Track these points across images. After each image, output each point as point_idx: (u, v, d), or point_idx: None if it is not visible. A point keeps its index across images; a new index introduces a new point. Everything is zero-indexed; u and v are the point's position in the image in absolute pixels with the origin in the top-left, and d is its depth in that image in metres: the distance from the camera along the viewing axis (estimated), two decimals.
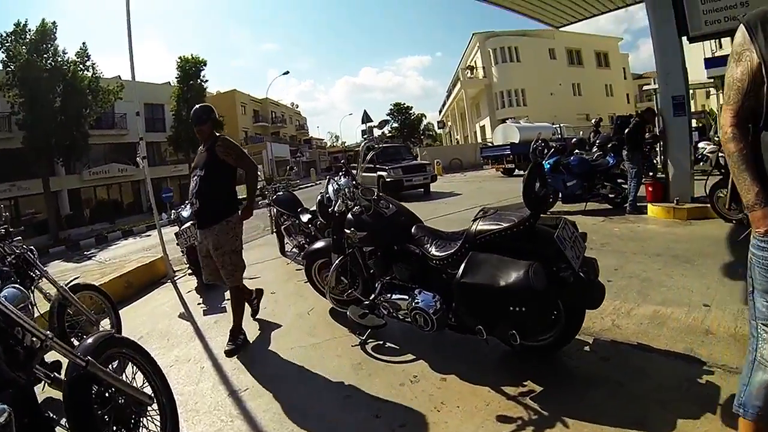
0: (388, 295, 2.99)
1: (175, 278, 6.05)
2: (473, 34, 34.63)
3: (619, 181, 7.31)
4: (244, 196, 3.55)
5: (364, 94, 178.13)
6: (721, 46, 19.33)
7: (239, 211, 3.45)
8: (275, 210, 6.25)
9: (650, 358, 2.51)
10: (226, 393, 2.76)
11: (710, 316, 2.92)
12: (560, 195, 7.43)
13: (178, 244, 5.22)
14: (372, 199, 3.10)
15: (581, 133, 15.17)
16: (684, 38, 5.76)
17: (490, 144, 20.39)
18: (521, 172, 15.46)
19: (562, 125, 15.94)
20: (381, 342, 3.14)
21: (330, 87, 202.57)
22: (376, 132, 3.81)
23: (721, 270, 3.77)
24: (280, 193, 6.32)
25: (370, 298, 3.14)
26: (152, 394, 2.13)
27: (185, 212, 5.65)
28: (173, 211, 6.21)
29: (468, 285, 2.33)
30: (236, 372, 3.05)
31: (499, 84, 33.16)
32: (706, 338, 2.64)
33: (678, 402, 2.06)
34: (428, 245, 2.78)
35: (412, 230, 2.94)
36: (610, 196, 7.32)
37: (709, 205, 5.58)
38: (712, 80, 13.68)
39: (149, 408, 2.10)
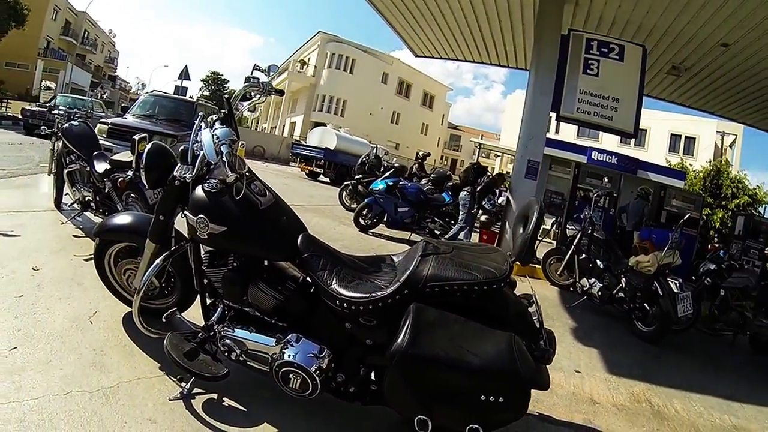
0: (237, 331, 2.10)
1: None
2: (318, 32, 35.34)
3: (447, 219, 8.02)
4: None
5: (186, 52, 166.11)
6: (555, 131, 24.00)
7: None
8: (61, 144, 4.69)
9: None
10: None
11: (586, 383, 3.30)
12: (387, 218, 7.63)
13: None
14: (243, 174, 2.07)
15: (395, 159, 16.46)
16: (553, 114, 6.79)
17: (303, 143, 20.50)
18: (326, 179, 16.11)
19: (380, 146, 16.76)
20: (214, 396, 2.13)
21: (156, 30, 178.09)
22: (263, 78, 2.33)
23: (571, 334, 4.40)
24: (75, 122, 4.78)
25: (206, 324, 2.19)
26: None
27: None
28: None
29: (421, 359, 1.72)
30: None
31: (324, 87, 34.33)
32: (595, 408, 2.95)
33: None
34: (324, 272, 2.00)
35: (298, 242, 2.11)
36: (436, 232, 7.92)
37: (536, 266, 6.56)
38: None
39: None
